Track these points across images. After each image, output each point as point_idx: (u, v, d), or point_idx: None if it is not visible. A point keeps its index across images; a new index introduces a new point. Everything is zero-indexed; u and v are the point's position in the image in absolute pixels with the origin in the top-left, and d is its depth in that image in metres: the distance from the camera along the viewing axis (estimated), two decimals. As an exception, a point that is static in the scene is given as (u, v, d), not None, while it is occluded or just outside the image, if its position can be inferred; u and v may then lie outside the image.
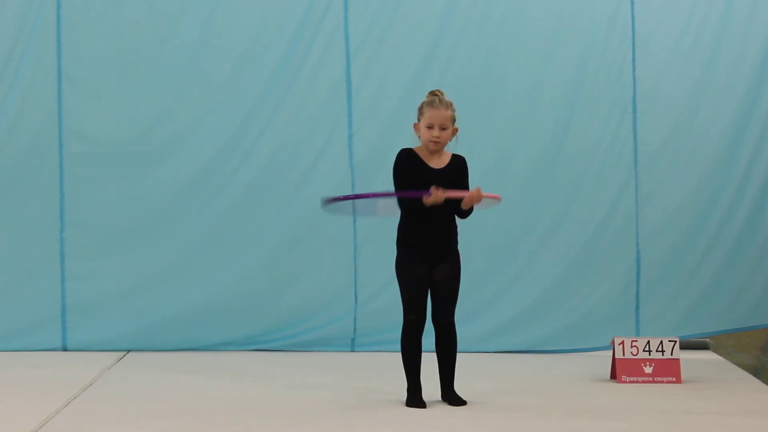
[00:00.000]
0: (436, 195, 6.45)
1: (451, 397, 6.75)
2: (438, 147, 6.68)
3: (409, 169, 6.66)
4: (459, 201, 6.61)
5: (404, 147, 6.76)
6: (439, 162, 6.71)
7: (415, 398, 6.69)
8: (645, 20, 8.84)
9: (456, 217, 6.74)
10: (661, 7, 8.87)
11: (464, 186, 6.72)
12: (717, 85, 8.85)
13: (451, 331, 6.74)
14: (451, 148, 6.78)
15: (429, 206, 6.52)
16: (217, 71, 8.78)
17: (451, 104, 6.67)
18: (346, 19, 8.79)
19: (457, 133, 6.73)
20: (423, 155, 6.72)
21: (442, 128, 6.64)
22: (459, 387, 6.82)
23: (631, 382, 7.59)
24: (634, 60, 8.85)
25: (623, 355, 7.65)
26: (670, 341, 7.69)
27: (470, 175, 6.78)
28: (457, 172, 6.72)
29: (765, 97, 8.84)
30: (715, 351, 8.99)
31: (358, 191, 8.77)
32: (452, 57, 8.81)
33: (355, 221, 8.79)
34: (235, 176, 8.78)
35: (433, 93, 6.71)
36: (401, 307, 6.76)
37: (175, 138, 8.78)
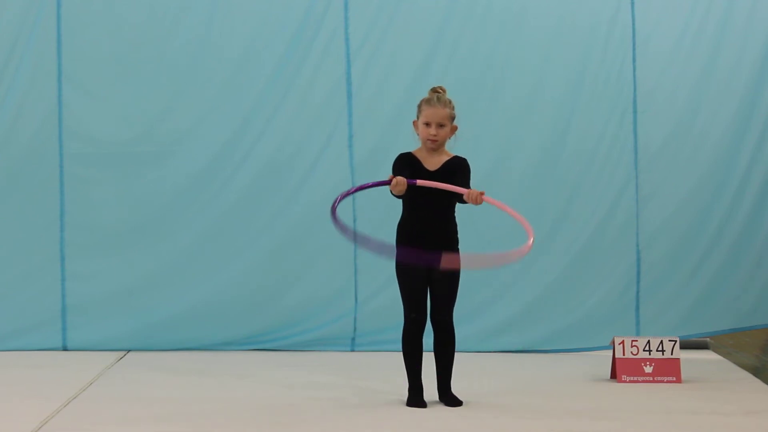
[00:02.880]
0: (396, 182, 6.43)
1: (447, 398, 6.74)
2: (435, 145, 6.67)
3: (405, 170, 6.63)
4: (455, 195, 6.60)
5: (403, 151, 6.76)
6: (436, 163, 6.70)
7: (415, 398, 6.69)
8: (645, 21, 8.83)
9: (454, 215, 6.73)
10: (661, 7, 8.86)
11: (460, 181, 6.64)
12: (717, 85, 8.85)
13: (447, 330, 6.72)
14: (451, 147, 6.77)
15: (426, 200, 6.52)
16: (217, 71, 8.78)
17: (449, 102, 6.67)
18: (346, 20, 8.79)
19: (457, 132, 6.73)
20: (421, 157, 6.72)
21: (440, 126, 6.64)
22: (459, 387, 6.81)
23: (631, 381, 7.59)
24: (634, 60, 8.85)
25: (623, 354, 7.66)
26: (670, 341, 7.69)
27: (472, 176, 6.75)
28: (452, 173, 6.66)
29: (765, 97, 8.84)
30: (715, 351, 8.99)
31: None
32: (452, 57, 8.81)
33: (355, 221, 8.79)
34: (235, 176, 8.78)
35: (434, 90, 6.71)
36: (401, 307, 6.76)
37: (175, 138, 8.78)
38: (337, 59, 8.80)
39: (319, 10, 8.78)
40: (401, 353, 6.76)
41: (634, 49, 8.84)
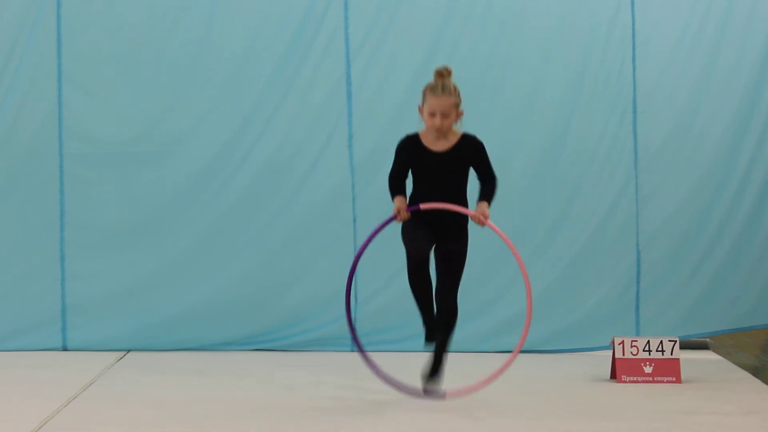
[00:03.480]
0: (398, 212, 6.55)
1: (434, 367, 6.68)
2: (440, 134, 6.64)
3: (407, 156, 6.65)
4: (467, 175, 6.64)
5: (410, 132, 6.76)
6: (444, 144, 6.66)
7: (431, 333, 6.72)
8: (645, 21, 8.83)
9: (466, 195, 6.71)
10: (661, 7, 8.86)
11: (480, 165, 6.65)
12: (717, 85, 8.85)
13: (449, 312, 6.66)
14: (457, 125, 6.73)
15: (432, 165, 6.59)
16: (217, 71, 8.78)
17: (454, 89, 6.60)
18: (346, 19, 8.79)
19: (462, 117, 6.69)
20: (427, 139, 6.69)
21: (444, 115, 6.59)
22: (460, 387, 6.80)
23: (631, 381, 7.59)
24: (634, 60, 8.85)
25: (623, 354, 7.66)
26: (670, 341, 7.69)
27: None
28: (465, 153, 6.65)
29: (765, 97, 8.84)
30: (715, 351, 8.99)
31: (357, 191, 8.78)
32: (452, 57, 8.78)
33: (354, 221, 8.79)
34: (235, 176, 8.79)
35: (439, 73, 6.63)
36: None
37: (175, 138, 8.78)
38: (337, 59, 8.80)
39: (319, 10, 8.78)
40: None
41: (634, 49, 8.84)
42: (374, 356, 8.55)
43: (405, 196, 6.70)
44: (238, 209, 8.79)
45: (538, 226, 8.84)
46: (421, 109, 6.71)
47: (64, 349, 8.73)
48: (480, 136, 8.53)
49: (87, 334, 8.72)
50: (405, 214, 6.54)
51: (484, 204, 6.63)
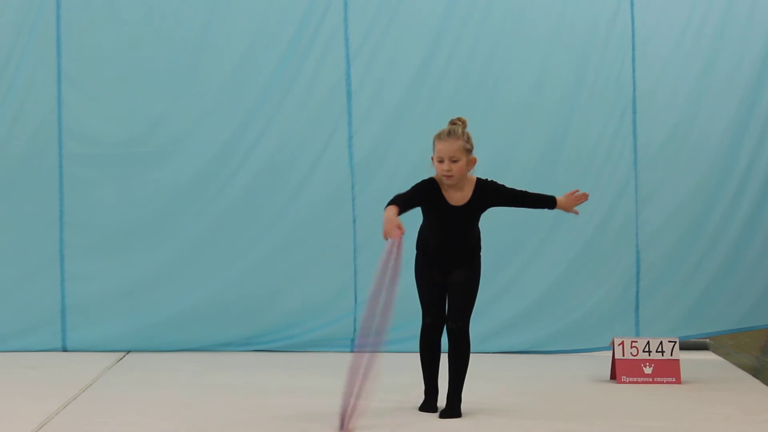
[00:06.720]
0: (391, 233, 6.21)
1: (448, 406, 6.52)
2: (452, 181, 6.41)
3: (425, 199, 6.44)
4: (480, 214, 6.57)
5: (429, 177, 6.50)
6: (461, 197, 6.46)
7: (427, 402, 6.61)
8: (645, 21, 8.84)
9: (476, 226, 6.57)
10: (661, 7, 8.87)
11: (509, 198, 6.54)
12: (717, 85, 8.85)
13: (459, 339, 6.49)
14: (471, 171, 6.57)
15: (448, 216, 6.44)
16: (217, 71, 8.78)
17: (463, 134, 6.40)
18: (346, 20, 8.80)
19: (475, 164, 6.48)
20: (445, 189, 6.47)
21: (453, 161, 6.37)
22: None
23: (631, 382, 7.59)
24: (634, 60, 8.85)
25: (623, 355, 7.66)
26: (669, 341, 7.69)
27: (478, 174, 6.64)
28: (483, 202, 6.48)
29: (765, 97, 8.84)
30: (715, 351, 8.99)
31: (357, 191, 8.78)
32: (452, 57, 8.81)
33: (354, 221, 8.79)
34: (235, 177, 8.79)
35: (452, 122, 6.48)
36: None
37: (175, 138, 8.78)
38: (337, 59, 8.80)
39: (318, 11, 8.78)
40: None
41: (633, 49, 8.84)
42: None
43: (399, 212, 6.30)
44: (238, 209, 8.78)
45: (538, 226, 8.83)
46: (433, 159, 6.48)
47: (64, 349, 8.74)
48: (480, 137, 8.56)
49: (87, 335, 8.72)
50: (397, 233, 6.13)
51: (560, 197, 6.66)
